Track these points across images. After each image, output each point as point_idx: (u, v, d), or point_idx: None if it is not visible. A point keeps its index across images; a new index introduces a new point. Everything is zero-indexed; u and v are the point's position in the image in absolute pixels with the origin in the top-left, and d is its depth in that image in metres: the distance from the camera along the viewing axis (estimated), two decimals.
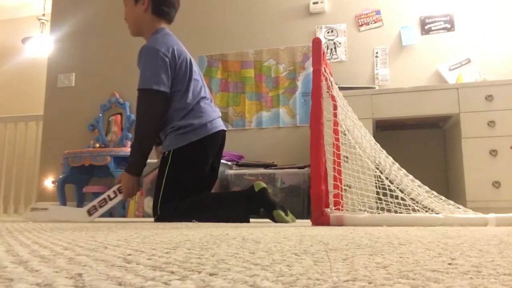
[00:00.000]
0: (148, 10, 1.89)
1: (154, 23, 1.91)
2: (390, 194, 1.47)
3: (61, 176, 3.55)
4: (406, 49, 3.35)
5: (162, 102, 1.80)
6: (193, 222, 1.67)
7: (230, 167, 3.12)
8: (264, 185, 1.75)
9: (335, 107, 1.68)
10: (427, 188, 1.57)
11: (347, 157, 1.66)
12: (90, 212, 1.80)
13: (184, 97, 1.85)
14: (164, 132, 1.89)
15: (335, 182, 1.59)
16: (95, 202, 1.83)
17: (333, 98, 1.66)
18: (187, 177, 1.84)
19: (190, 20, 3.90)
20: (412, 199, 1.47)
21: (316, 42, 1.55)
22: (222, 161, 3.08)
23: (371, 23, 3.46)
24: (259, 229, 1.08)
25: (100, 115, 3.92)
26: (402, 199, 1.45)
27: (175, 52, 1.84)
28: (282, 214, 1.66)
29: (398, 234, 0.84)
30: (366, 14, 3.47)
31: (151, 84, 1.76)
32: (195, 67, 1.97)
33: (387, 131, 3.15)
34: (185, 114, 1.85)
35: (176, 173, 1.84)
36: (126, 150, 3.53)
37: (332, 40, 3.51)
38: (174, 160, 1.85)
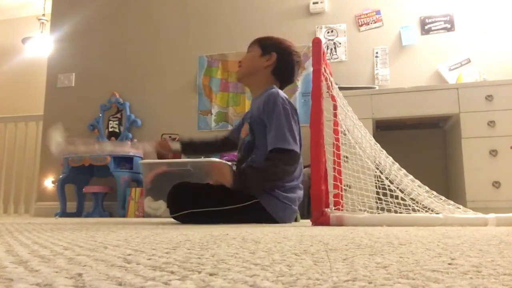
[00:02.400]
0: (269, 68, 1.84)
1: (269, 81, 1.84)
2: (390, 194, 1.47)
3: (61, 176, 3.55)
4: (406, 49, 3.35)
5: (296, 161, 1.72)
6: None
7: (230, 167, 3.11)
8: None
9: (335, 107, 1.68)
10: (427, 188, 1.57)
11: (347, 157, 1.65)
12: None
13: None
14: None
15: (335, 182, 1.59)
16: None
17: (333, 98, 1.66)
18: None
19: (190, 20, 3.91)
20: (412, 199, 1.47)
21: (316, 42, 1.55)
22: (221, 160, 3.09)
23: (371, 23, 3.45)
24: (259, 229, 1.08)
25: (100, 115, 3.91)
26: (402, 199, 1.45)
27: None
28: None
29: (398, 234, 0.84)
30: (366, 14, 3.47)
31: (292, 145, 1.66)
32: None
33: (387, 131, 3.14)
34: None
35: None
36: (126, 150, 3.53)
37: (332, 40, 3.51)
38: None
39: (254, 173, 1.67)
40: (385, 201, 1.48)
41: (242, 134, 1.85)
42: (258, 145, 1.74)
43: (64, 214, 3.50)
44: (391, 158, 1.66)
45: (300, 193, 1.78)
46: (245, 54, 1.93)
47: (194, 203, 1.66)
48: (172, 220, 1.80)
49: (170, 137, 3.44)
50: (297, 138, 1.70)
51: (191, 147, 2.05)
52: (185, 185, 1.76)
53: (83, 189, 3.52)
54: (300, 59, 1.92)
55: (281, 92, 1.77)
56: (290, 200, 1.71)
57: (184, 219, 1.67)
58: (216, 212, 1.64)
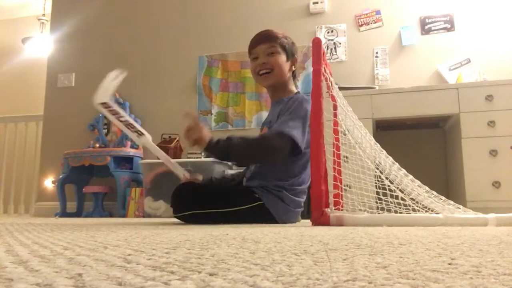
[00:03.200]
0: (291, 70, 1.89)
1: (290, 83, 1.89)
2: (390, 194, 1.47)
3: (61, 176, 3.55)
4: (406, 49, 3.35)
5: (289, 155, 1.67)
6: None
7: (230, 167, 3.12)
8: None
9: (335, 107, 1.68)
10: (427, 188, 1.56)
11: (347, 157, 1.65)
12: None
13: None
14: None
15: (335, 182, 1.59)
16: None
17: (333, 98, 1.66)
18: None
19: (190, 20, 3.90)
20: (412, 199, 1.47)
21: (316, 42, 1.55)
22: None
23: (371, 23, 3.45)
24: (259, 229, 1.08)
25: (100, 115, 3.91)
26: (402, 199, 1.45)
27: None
28: None
29: (398, 234, 0.84)
30: (366, 14, 3.47)
31: (295, 135, 1.63)
32: None
33: (387, 131, 3.15)
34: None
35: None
36: (126, 150, 3.53)
37: (332, 40, 3.51)
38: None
39: (236, 140, 1.62)
40: (385, 201, 1.48)
41: None
42: None
43: (64, 214, 3.51)
44: (391, 158, 1.66)
45: (304, 197, 1.78)
46: (266, 53, 1.82)
47: (198, 204, 1.66)
48: (172, 220, 1.80)
49: (170, 137, 3.44)
50: (305, 138, 1.68)
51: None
52: (189, 185, 1.75)
53: (83, 189, 3.52)
54: None
55: (304, 96, 1.80)
56: (295, 204, 1.71)
57: (187, 219, 1.67)
58: (220, 214, 1.64)
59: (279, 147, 1.63)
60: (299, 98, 1.76)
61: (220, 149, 1.60)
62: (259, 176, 1.73)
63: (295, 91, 1.87)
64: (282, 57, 1.84)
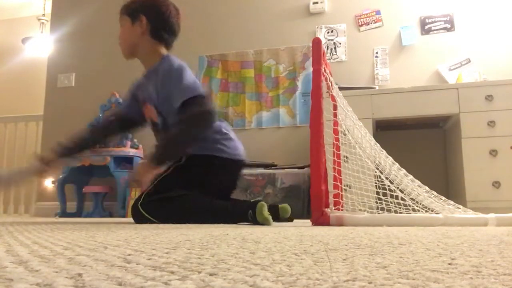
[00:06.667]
0: (146, 33, 1.76)
1: (153, 46, 1.77)
2: (390, 194, 1.47)
3: (61, 176, 3.55)
4: (406, 49, 3.35)
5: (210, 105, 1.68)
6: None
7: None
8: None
9: (335, 107, 1.68)
10: (427, 188, 1.57)
11: (347, 157, 1.65)
12: None
13: None
14: None
15: (335, 182, 1.59)
16: None
17: (333, 98, 1.66)
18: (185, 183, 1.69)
19: (190, 20, 3.90)
20: (412, 199, 1.47)
21: (316, 42, 1.55)
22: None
23: (371, 23, 3.45)
24: (259, 229, 1.08)
25: (100, 115, 3.91)
26: (402, 199, 1.45)
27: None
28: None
29: (398, 234, 0.84)
30: (366, 14, 3.47)
31: (197, 91, 1.64)
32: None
33: (387, 131, 3.15)
34: None
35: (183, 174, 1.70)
36: (126, 150, 3.53)
37: (332, 40, 3.51)
38: (188, 164, 1.71)
39: (169, 144, 1.63)
40: (385, 201, 1.48)
41: (152, 116, 1.78)
42: (172, 123, 1.70)
43: (64, 214, 3.51)
44: (391, 158, 1.66)
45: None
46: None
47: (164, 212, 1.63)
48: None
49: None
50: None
51: (68, 149, 1.84)
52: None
53: (83, 189, 3.52)
54: (170, 4, 1.80)
55: (171, 57, 1.75)
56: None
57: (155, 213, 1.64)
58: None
59: (205, 115, 1.62)
60: (165, 62, 1.71)
61: (163, 155, 1.62)
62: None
63: (163, 54, 1.77)
64: (126, 25, 1.82)
